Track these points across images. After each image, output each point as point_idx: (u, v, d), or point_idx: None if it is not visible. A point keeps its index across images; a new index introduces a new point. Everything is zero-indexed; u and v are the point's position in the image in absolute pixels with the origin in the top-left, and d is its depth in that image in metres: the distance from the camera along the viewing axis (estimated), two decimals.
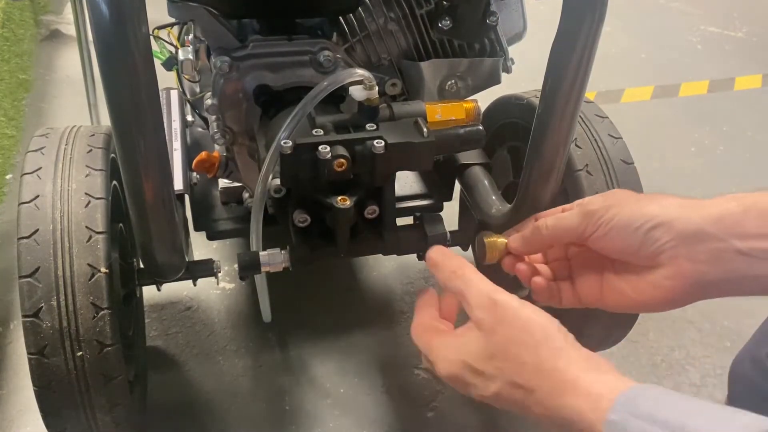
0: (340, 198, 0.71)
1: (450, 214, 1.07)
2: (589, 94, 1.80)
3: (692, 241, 0.54)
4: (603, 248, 0.60)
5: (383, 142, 0.69)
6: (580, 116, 0.95)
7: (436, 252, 0.64)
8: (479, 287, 0.57)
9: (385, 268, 1.35)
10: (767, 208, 0.52)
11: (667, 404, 0.45)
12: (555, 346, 0.51)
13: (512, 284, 0.66)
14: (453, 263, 0.61)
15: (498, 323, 0.54)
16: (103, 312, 0.73)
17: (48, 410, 0.75)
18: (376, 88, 0.76)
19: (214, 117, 0.90)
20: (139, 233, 0.74)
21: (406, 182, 1.14)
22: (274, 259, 0.79)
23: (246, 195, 1.04)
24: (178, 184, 1.01)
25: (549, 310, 0.56)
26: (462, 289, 0.58)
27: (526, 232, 0.65)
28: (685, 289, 0.55)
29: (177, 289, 1.25)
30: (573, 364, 0.50)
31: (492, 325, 0.54)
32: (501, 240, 0.69)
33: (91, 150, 0.84)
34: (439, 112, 0.84)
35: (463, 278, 0.59)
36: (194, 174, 1.06)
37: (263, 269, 0.80)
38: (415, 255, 0.82)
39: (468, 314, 0.57)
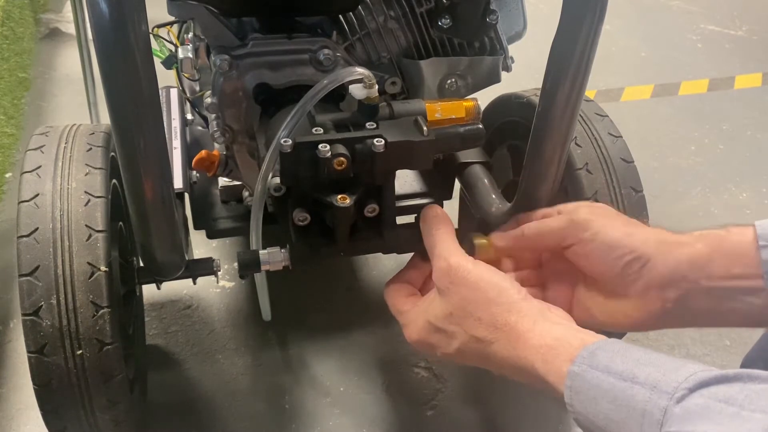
0: (339, 196, 0.71)
1: (450, 212, 1.07)
2: (589, 92, 1.79)
3: (666, 282, 0.58)
4: (579, 262, 0.62)
5: (383, 141, 0.69)
6: (580, 115, 0.95)
7: (430, 210, 0.69)
8: (441, 252, 0.61)
9: (385, 267, 1.35)
10: (729, 249, 0.56)
11: (623, 356, 0.48)
12: (506, 302, 0.56)
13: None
14: (436, 224, 0.66)
15: (453, 284, 0.58)
16: (102, 310, 0.73)
17: (48, 408, 0.75)
18: (376, 87, 0.76)
19: (213, 115, 0.90)
20: (139, 232, 0.74)
21: (406, 181, 1.14)
22: (273, 257, 0.79)
23: (246, 193, 1.04)
24: (178, 183, 1.01)
25: None
26: (431, 250, 0.63)
27: (510, 232, 0.68)
28: (650, 321, 0.60)
29: (177, 287, 1.25)
30: (524, 318, 0.55)
31: (448, 286, 0.59)
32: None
33: (90, 148, 0.84)
34: (438, 111, 0.84)
35: (434, 239, 0.64)
36: (194, 172, 1.06)
37: (263, 268, 0.79)
38: None
39: (437, 279, 0.61)
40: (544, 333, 0.53)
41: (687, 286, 0.57)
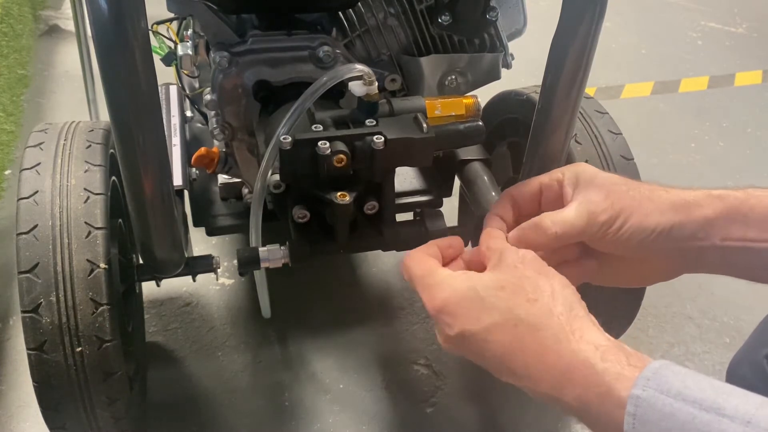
0: (339, 194, 0.71)
1: (450, 209, 1.07)
2: (589, 89, 1.79)
3: (684, 246, 0.58)
4: (600, 248, 0.61)
5: (383, 138, 0.69)
6: (580, 112, 0.95)
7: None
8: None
9: (384, 264, 1.35)
10: (748, 212, 0.56)
11: (694, 381, 0.42)
12: (570, 300, 0.50)
13: None
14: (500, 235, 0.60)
15: (521, 261, 0.53)
16: (102, 308, 0.73)
17: (47, 406, 0.75)
18: (376, 84, 0.76)
19: (213, 112, 0.90)
20: (139, 229, 0.74)
21: (406, 178, 1.14)
22: (273, 254, 0.79)
23: (245, 191, 1.03)
24: (178, 180, 1.01)
25: None
26: (500, 245, 0.56)
27: (528, 232, 0.60)
28: (665, 274, 0.62)
29: (176, 284, 1.25)
30: (585, 319, 0.49)
31: (515, 261, 0.53)
32: None
33: (90, 145, 0.84)
34: (438, 108, 0.84)
35: (503, 240, 0.58)
36: (193, 170, 1.06)
37: (262, 265, 0.79)
38: None
39: (495, 260, 0.55)
40: (604, 337, 0.48)
41: (702, 244, 0.56)
